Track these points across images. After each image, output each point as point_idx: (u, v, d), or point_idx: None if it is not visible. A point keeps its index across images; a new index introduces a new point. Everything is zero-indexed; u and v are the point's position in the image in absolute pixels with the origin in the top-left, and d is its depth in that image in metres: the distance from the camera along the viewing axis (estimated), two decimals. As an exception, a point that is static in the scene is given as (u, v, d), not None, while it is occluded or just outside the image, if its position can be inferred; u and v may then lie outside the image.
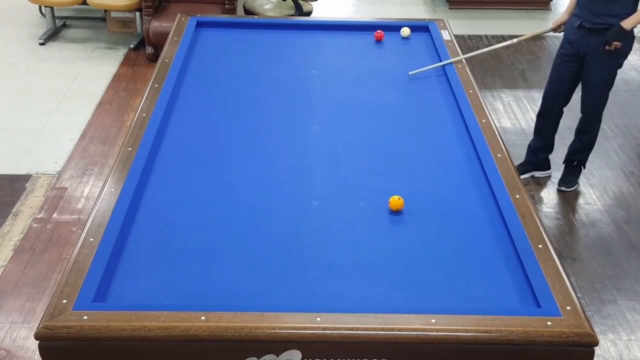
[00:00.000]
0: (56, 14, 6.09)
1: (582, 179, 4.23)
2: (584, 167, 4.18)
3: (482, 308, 1.88)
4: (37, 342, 1.78)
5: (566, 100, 4.04)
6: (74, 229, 3.68)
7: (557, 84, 3.98)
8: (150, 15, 5.53)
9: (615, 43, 3.63)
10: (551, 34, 4.10)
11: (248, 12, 5.62)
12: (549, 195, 4.14)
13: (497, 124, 3.68)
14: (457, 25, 4.69)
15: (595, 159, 4.40)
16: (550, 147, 4.22)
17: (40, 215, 3.78)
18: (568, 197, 4.10)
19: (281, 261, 2.08)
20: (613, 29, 3.61)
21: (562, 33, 3.94)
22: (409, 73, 3.21)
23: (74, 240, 3.52)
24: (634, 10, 3.62)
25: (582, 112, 4.03)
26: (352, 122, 2.89)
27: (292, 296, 1.95)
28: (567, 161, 4.18)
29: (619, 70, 3.81)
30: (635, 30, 3.69)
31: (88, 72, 5.43)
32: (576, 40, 3.78)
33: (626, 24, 3.58)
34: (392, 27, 3.67)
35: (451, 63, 3.26)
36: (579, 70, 3.87)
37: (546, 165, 4.25)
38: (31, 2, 5.83)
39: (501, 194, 2.34)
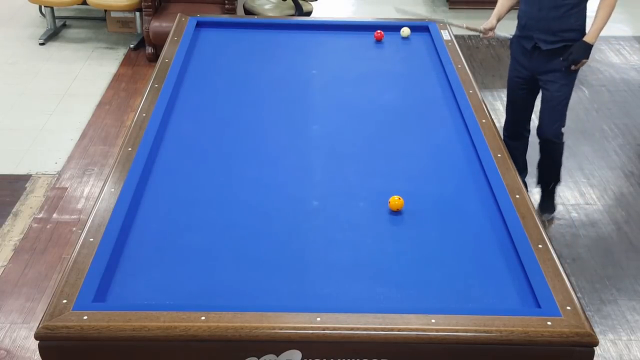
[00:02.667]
0: (56, 14, 6.09)
1: (582, 179, 4.23)
2: (560, 182, 3.89)
3: (482, 308, 1.89)
4: (37, 342, 1.78)
5: (529, 121, 3.78)
6: (74, 229, 3.68)
7: (519, 110, 3.71)
8: (150, 15, 5.53)
9: (583, 60, 3.33)
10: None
11: (248, 12, 5.61)
12: (549, 195, 4.13)
13: (497, 124, 3.68)
14: (457, 25, 4.69)
15: (595, 159, 4.40)
16: (525, 169, 3.94)
17: (40, 215, 3.78)
18: (568, 197, 4.09)
19: (281, 261, 2.08)
20: (577, 46, 3.30)
21: (494, 36, 3.62)
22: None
23: (74, 240, 3.51)
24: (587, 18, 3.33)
25: (541, 135, 3.63)
26: (352, 122, 2.89)
27: (292, 296, 1.95)
28: (541, 185, 3.90)
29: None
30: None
31: (88, 72, 5.43)
32: (530, 63, 3.46)
33: (590, 38, 3.28)
34: (392, 27, 3.67)
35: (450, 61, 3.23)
36: (537, 91, 3.59)
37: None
38: (31, 2, 5.83)
39: (501, 194, 2.34)
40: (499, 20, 3.60)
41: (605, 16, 3.30)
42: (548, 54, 3.39)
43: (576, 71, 3.43)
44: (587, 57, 3.33)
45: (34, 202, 3.89)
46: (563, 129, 3.60)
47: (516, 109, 3.75)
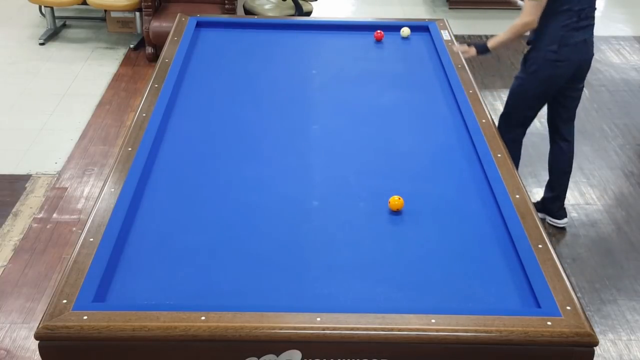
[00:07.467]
0: (56, 14, 6.09)
1: (582, 179, 4.23)
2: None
3: (482, 308, 1.88)
4: (37, 342, 1.78)
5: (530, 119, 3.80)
6: (74, 229, 3.68)
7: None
8: (150, 15, 5.54)
9: (471, 50, 3.57)
10: None
11: (248, 12, 5.62)
12: (549, 195, 4.13)
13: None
14: (457, 25, 4.68)
15: (595, 159, 4.40)
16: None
17: (40, 215, 3.78)
18: (568, 197, 4.09)
19: (281, 261, 2.08)
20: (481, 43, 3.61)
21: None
22: None
23: (74, 240, 3.52)
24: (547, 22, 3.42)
25: None
26: (352, 122, 2.89)
27: (292, 296, 1.95)
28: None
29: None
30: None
31: (88, 72, 5.43)
32: None
33: (490, 42, 3.59)
34: (392, 27, 3.67)
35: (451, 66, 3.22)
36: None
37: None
38: (31, 2, 5.83)
39: (501, 194, 2.34)
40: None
41: (506, 36, 3.52)
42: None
43: (526, 71, 3.52)
44: (477, 53, 3.56)
45: (34, 202, 3.89)
46: (503, 126, 3.70)
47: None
